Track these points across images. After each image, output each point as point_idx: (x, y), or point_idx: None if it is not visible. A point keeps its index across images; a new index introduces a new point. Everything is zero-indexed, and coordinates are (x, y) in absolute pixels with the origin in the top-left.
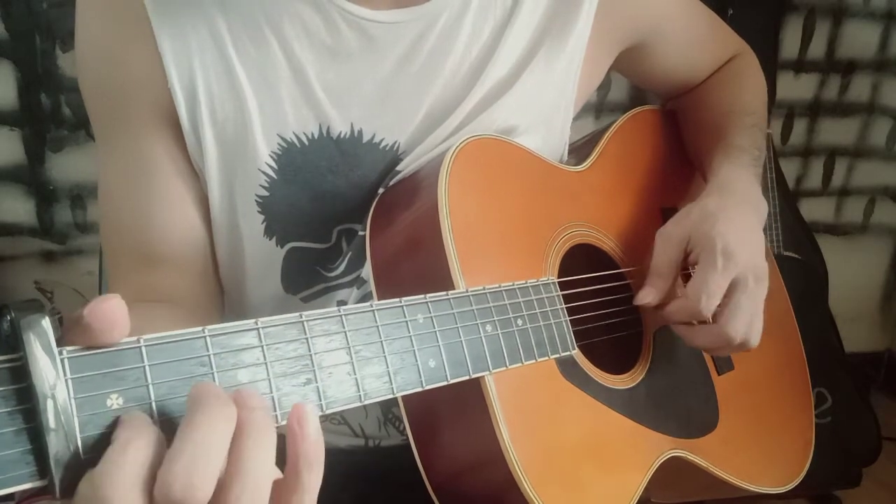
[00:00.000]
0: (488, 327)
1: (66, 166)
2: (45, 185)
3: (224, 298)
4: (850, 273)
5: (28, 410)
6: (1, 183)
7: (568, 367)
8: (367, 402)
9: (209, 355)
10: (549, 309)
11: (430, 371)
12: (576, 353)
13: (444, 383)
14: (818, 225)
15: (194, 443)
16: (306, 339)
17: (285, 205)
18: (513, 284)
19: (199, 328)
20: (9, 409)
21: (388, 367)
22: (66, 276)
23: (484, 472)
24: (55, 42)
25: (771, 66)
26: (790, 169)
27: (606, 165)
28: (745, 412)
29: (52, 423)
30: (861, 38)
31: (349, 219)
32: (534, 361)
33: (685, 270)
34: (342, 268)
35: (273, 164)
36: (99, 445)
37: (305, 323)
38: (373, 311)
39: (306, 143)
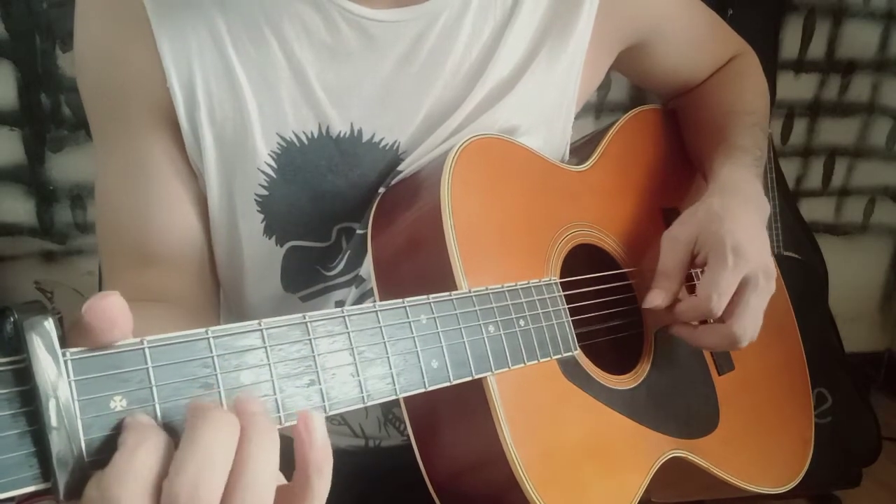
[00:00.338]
0: (491, 328)
1: (66, 166)
2: (45, 185)
3: (222, 298)
4: (850, 273)
5: (31, 413)
6: (1, 183)
7: (570, 368)
8: (369, 404)
9: (212, 356)
10: (551, 309)
11: (433, 372)
12: (577, 353)
13: (447, 384)
14: (818, 225)
15: (198, 453)
16: (310, 340)
17: (285, 204)
18: (515, 285)
19: (203, 329)
20: (12, 412)
21: (391, 369)
22: (66, 276)
23: (485, 472)
24: (55, 42)
25: (771, 66)
26: (790, 169)
27: (608, 165)
28: (745, 412)
29: (55, 425)
30: (861, 38)
31: (349, 217)
32: (536, 362)
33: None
34: (341, 267)
35: (272, 164)
36: (103, 448)
37: (309, 324)
38: (376, 311)
39: (306, 142)
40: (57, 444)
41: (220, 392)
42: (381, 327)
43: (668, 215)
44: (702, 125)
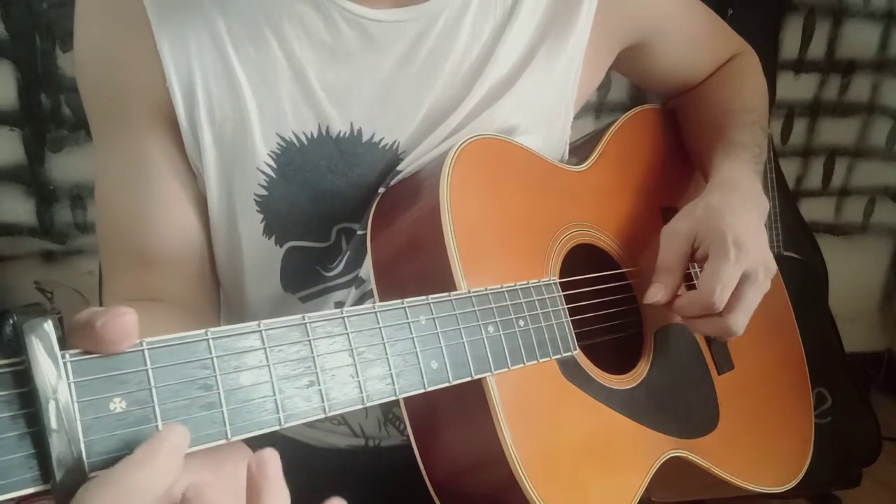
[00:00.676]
0: (490, 328)
1: (66, 166)
2: (45, 185)
3: (223, 298)
4: (849, 273)
5: (31, 415)
6: (1, 183)
7: (569, 368)
8: (369, 405)
9: (212, 358)
10: (550, 309)
11: (433, 372)
12: (577, 353)
13: (447, 385)
14: (818, 225)
15: None
16: (309, 341)
17: (284, 204)
18: (514, 285)
19: (202, 331)
20: (11, 414)
21: (390, 369)
22: (66, 276)
23: (485, 472)
24: (55, 42)
25: (771, 66)
26: (790, 169)
27: (607, 165)
28: (745, 412)
29: (55, 427)
30: (861, 38)
31: (348, 218)
32: (535, 362)
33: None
34: (340, 267)
35: (272, 164)
36: (103, 450)
37: (308, 325)
38: (375, 312)
39: (305, 142)
40: (57, 445)
41: (219, 393)
42: (380, 328)
43: (668, 214)
44: (701, 123)
